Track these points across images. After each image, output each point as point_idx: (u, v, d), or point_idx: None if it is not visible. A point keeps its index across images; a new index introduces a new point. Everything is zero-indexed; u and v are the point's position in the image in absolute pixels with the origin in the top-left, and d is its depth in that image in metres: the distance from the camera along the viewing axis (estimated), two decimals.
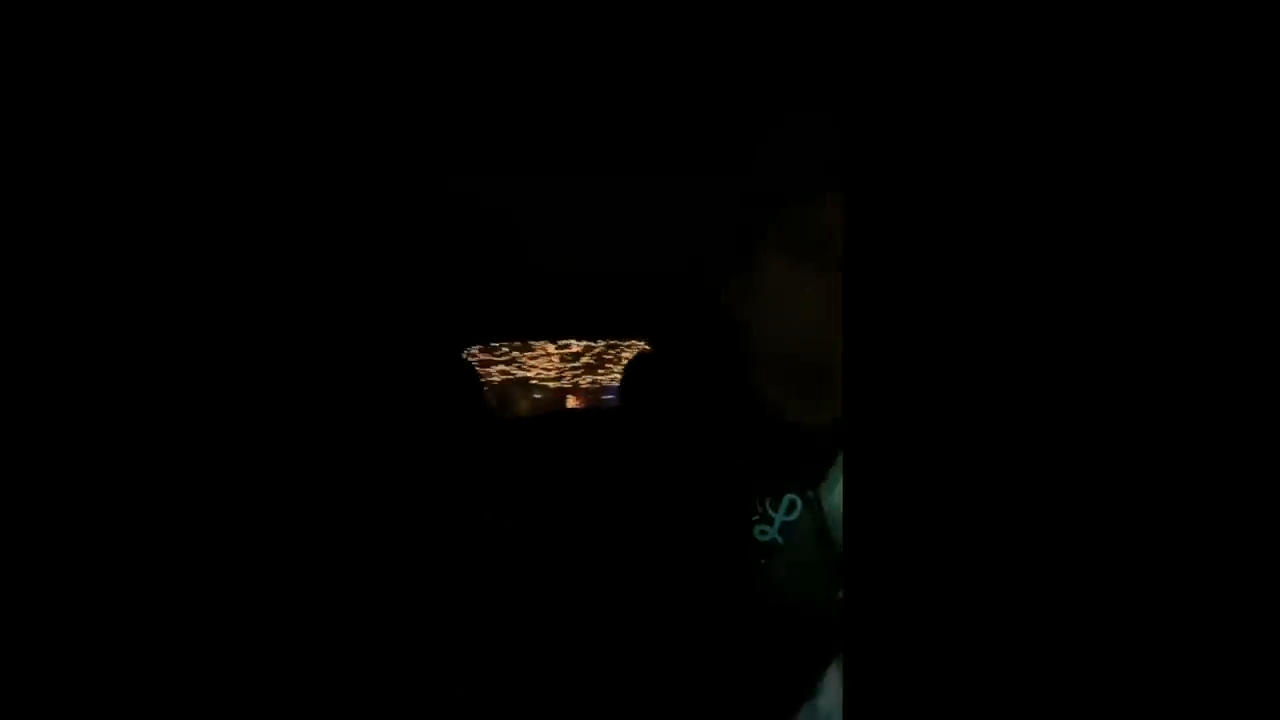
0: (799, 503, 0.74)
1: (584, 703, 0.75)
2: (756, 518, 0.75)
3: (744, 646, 0.70)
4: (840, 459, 0.71)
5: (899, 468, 0.31)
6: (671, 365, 1.59)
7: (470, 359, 1.99)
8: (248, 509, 0.97)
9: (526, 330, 2.41)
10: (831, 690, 0.61)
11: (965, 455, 0.30)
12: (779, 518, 0.75)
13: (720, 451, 0.79)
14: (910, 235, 0.30)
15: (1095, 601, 0.27)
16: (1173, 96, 0.25)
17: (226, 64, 0.79)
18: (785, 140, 0.82)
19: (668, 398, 1.28)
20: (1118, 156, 0.26)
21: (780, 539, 0.74)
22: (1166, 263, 0.26)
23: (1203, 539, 0.26)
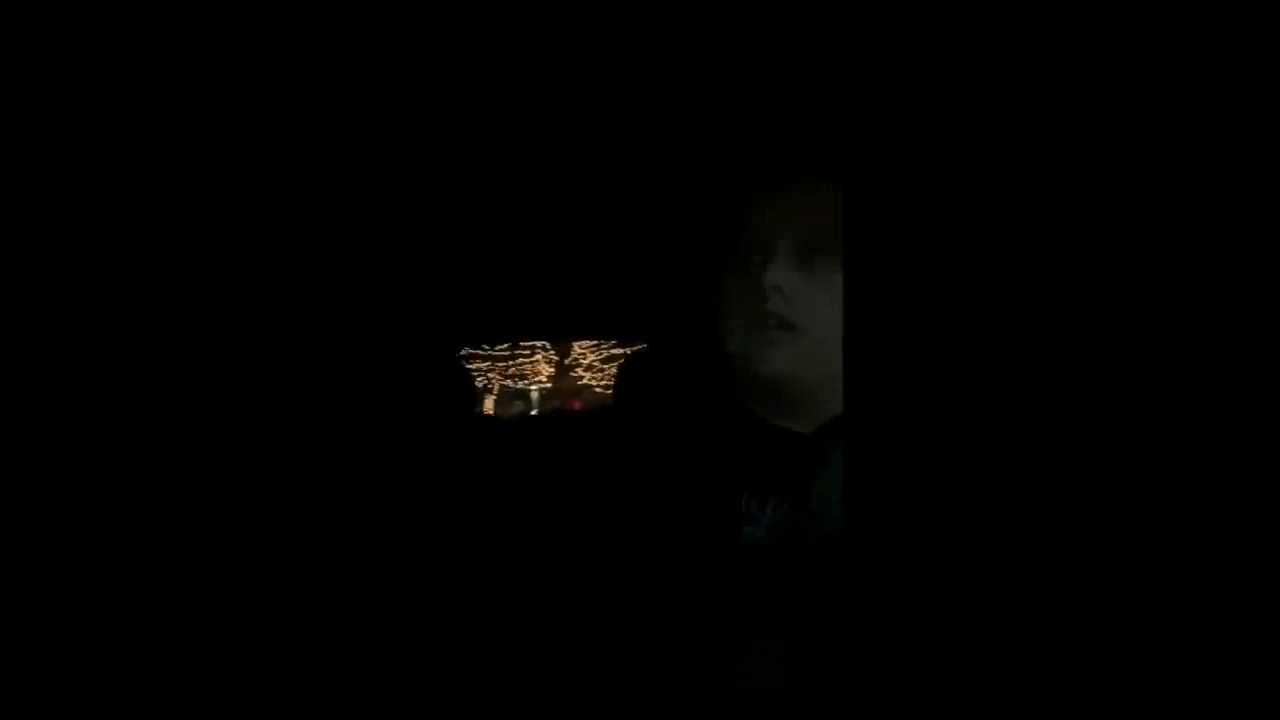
0: (786, 503, 0.74)
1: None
2: (743, 518, 0.75)
3: (728, 643, 0.70)
4: (829, 460, 0.71)
5: (898, 465, 0.31)
6: (661, 367, 1.59)
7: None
8: (241, 509, 0.96)
9: (520, 331, 2.40)
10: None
11: (965, 452, 0.30)
12: (765, 518, 0.75)
13: (706, 452, 0.79)
14: (909, 233, 0.30)
15: (1091, 598, 0.27)
16: (1167, 95, 0.25)
17: (222, 62, 0.79)
18: (782, 139, 0.81)
19: (656, 399, 1.28)
20: (1114, 158, 0.26)
21: (767, 539, 0.74)
22: (1162, 261, 0.26)
23: (1196, 534, 0.26)
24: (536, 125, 1.05)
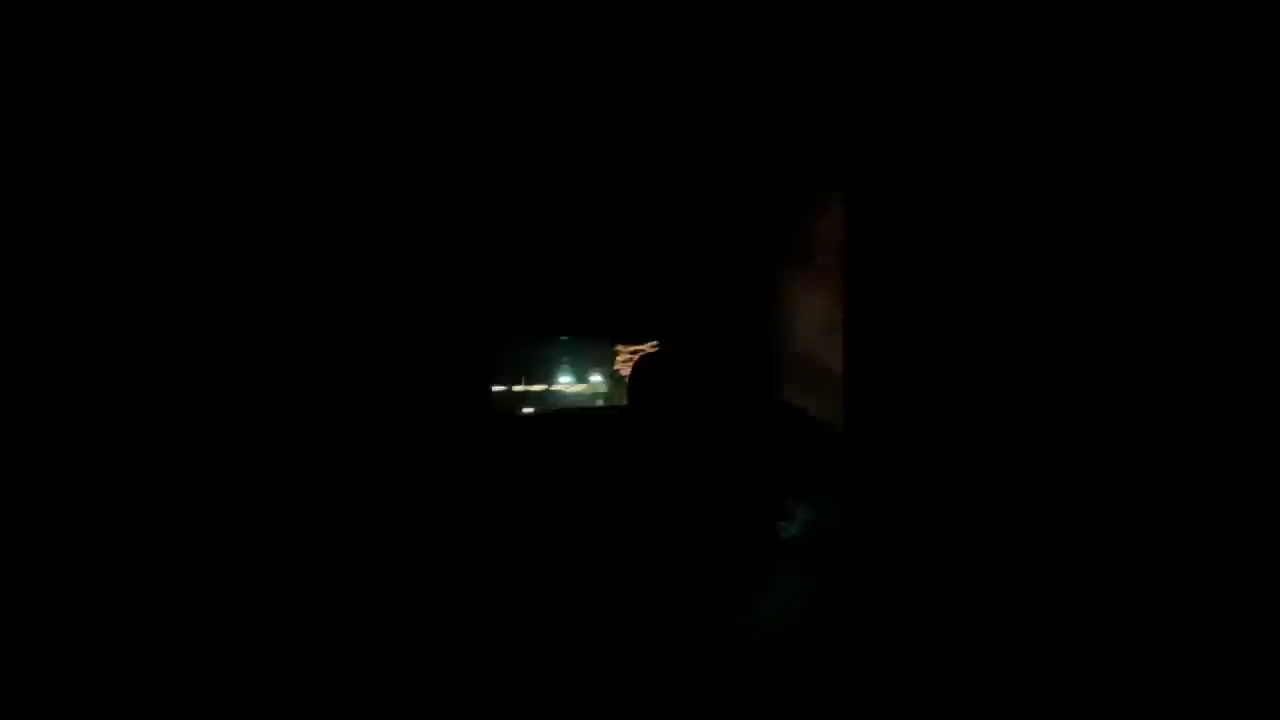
0: (821, 501, 0.74)
1: None
2: (780, 515, 0.75)
3: (761, 644, 0.70)
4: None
5: (900, 465, 0.31)
6: (695, 365, 1.59)
7: None
8: (253, 505, 0.97)
9: (537, 330, 2.42)
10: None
11: (965, 452, 0.29)
12: (801, 515, 0.75)
13: (747, 450, 0.79)
14: (910, 235, 0.30)
15: (1093, 596, 0.27)
16: (1169, 98, 0.25)
17: (247, 60, 0.81)
18: (790, 140, 0.81)
19: (693, 397, 1.28)
20: (1115, 159, 0.26)
21: (801, 536, 0.74)
22: (1163, 262, 0.25)
23: (1197, 533, 0.25)
24: (561, 126, 1.07)
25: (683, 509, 0.75)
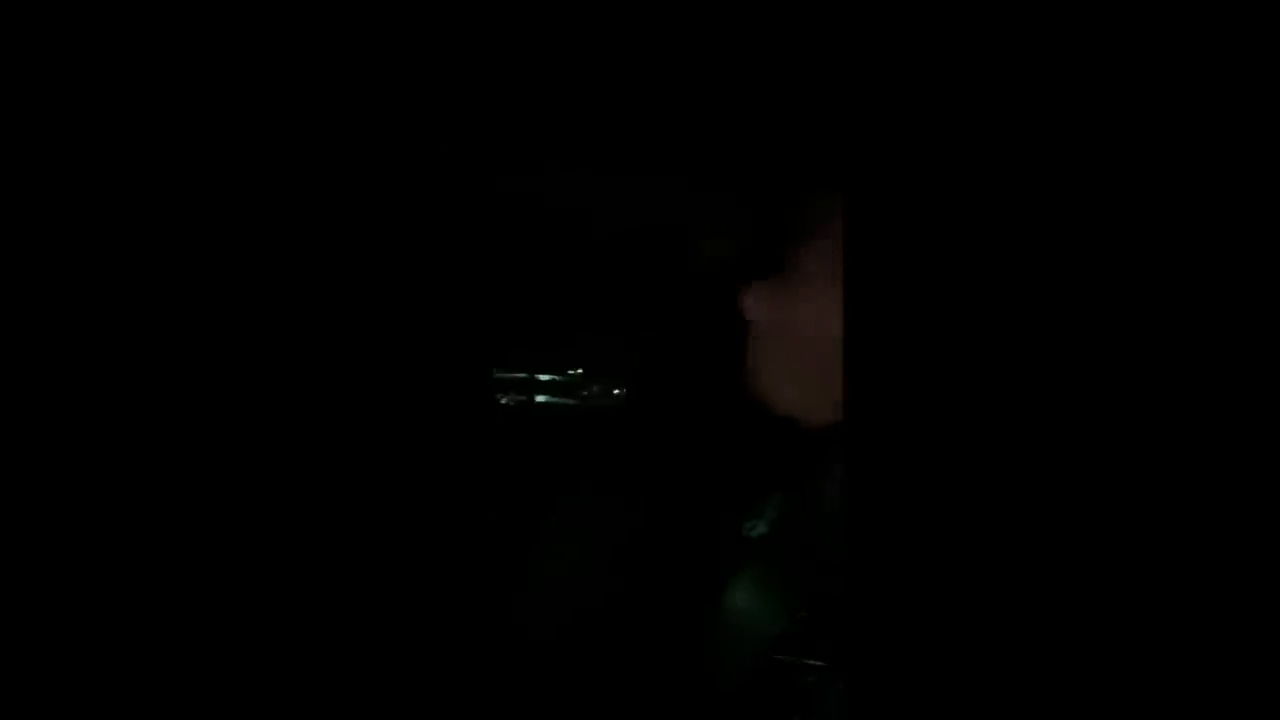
0: (790, 499, 0.74)
1: None
2: (748, 513, 0.75)
3: (730, 642, 0.70)
4: (833, 455, 0.71)
5: (899, 465, 0.31)
6: (667, 362, 1.58)
7: None
8: (255, 507, 0.97)
9: (524, 328, 2.40)
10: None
11: (965, 452, 0.30)
12: (770, 512, 0.75)
13: (713, 447, 0.79)
14: (910, 235, 0.30)
15: (1093, 598, 0.27)
16: (1169, 97, 0.25)
17: (252, 61, 0.80)
18: (787, 139, 0.81)
19: (663, 394, 1.27)
20: (1116, 160, 0.26)
21: (769, 533, 0.74)
22: (1165, 261, 0.26)
23: (1197, 534, 0.26)
24: (551, 122, 1.06)
25: (669, 506, 0.75)
